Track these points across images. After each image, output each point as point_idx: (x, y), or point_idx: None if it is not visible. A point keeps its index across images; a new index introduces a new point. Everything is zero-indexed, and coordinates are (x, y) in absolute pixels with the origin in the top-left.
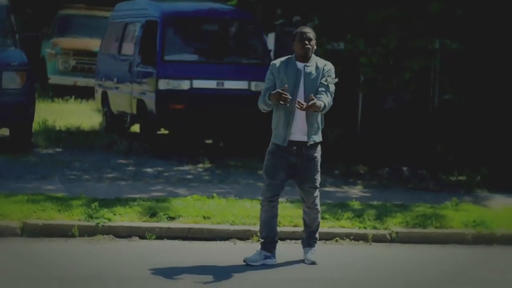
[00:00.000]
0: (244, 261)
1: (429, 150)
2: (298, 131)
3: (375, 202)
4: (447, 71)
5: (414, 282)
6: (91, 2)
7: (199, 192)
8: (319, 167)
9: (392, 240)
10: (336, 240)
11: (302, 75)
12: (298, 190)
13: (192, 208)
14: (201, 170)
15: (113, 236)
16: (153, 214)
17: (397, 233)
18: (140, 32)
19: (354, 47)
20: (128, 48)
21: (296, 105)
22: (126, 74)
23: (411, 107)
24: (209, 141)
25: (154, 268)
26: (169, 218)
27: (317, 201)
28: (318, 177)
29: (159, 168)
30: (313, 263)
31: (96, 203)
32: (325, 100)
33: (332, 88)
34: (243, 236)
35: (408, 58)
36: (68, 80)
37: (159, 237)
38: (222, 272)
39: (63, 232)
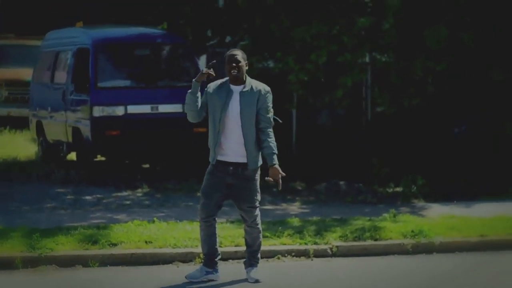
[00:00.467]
0: (185, 277)
1: (365, 164)
2: (234, 153)
3: (314, 218)
4: (378, 84)
5: None
6: (21, 31)
7: (139, 217)
8: (258, 187)
9: (333, 255)
10: (278, 258)
11: (235, 98)
12: (238, 209)
13: (133, 233)
14: (140, 195)
15: (56, 266)
16: (94, 242)
17: (337, 247)
18: (72, 60)
19: (284, 65)
20: (61, 77)
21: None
22: (60, 103)
23: (346, 121)
24: (146, 166)
25: None
26: (111, 245)
27: (258, 220)
28: (257, 197)
29: (98, 195)
30: (256, 281)
31: (38, 234)
32: (273, 148)
33: (271, 117)
34: (186, 258)
35: (339, 74)
36: (1, 111)
37: (102, 263)
38: None
39: (6, 264)
